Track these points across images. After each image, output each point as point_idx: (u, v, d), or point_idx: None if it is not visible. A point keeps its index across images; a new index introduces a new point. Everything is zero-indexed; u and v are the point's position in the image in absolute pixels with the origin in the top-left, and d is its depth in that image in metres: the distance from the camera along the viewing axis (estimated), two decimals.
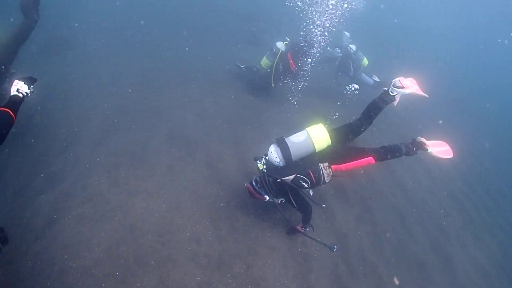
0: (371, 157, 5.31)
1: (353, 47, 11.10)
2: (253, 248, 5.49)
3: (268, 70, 9.84)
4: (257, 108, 9.54)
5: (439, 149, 5.51)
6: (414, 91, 5.37)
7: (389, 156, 5.41)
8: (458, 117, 15.15)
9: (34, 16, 6.66)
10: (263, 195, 5.43)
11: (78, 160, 6.39)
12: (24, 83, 3.06)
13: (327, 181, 5.19)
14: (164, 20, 15.39)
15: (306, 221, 5.54)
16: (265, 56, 9.94)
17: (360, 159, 5.33)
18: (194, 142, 7.30)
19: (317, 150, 5.26)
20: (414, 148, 5.39)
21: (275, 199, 5.34)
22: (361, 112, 5.58)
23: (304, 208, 5.40)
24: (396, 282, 5.96)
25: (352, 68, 11.30)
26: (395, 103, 5.47)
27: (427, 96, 5.37)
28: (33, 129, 7.01)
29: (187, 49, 12.79)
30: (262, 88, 10.14)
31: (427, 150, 5.36)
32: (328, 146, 5.31)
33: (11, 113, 2.79)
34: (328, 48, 11.44)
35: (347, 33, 11.53)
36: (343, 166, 5.38)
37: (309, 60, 9.48)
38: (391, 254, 6.41)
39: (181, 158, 6.76)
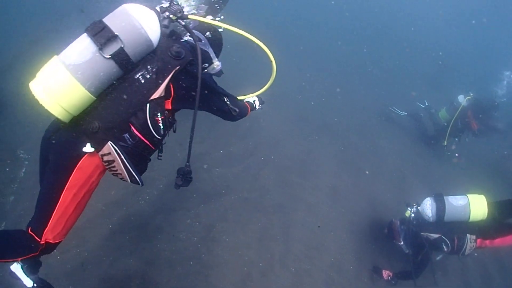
0: None
1: None
2: None
3: (445, 123, 9.00)
4: (425, 158, 9.12)
5: None
6: None
7: None
8: None
9: None
10: (400, 239, 5.40)
11: (255, 151, 6.90)
12: (258, 100, 3.59)
13: (465, 254, 5.12)
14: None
15: (403, 277, 5.32)
16: (444, 108, 9.12)
17: (509, 234, 5.03)
18: (362, 174, 7.31)
19: (470, 220, 4.94)
20: None
21: (406, 248, 5.37)
22: None
23: (419, 271, 5.18)
24: None
25: None
26: None
27: None
28: None
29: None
30: (434, 140, 9.38)
31: None
32: (481, 220, 4.96)
33: (249, 109, 3.35)
34: None
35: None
36: (489, 242, 5.13)
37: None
38: None
39: (346, 185, 6.83)
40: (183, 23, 2.52)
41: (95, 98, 2.26)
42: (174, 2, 2.46)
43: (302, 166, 6.85)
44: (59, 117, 2.17)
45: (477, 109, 8.62)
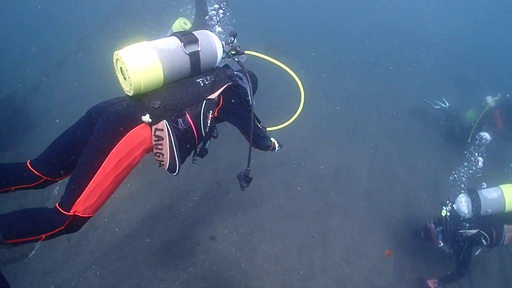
0: None
1: None
2: None
3: (472, 124, 8.87)
4: (456, 156, 8.76)
5: None
6: None
7: None
8: None
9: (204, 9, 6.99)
10: (438, 241, 5.36)
11: (286, 159, 6.90)
12: (277, 143, 3.83)
13: (505, 244, 5.14)
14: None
15: (449, 281, 5.25)
16: (472, 109, 9.10)
17: None
18: (396, 177, 7.24)
19: (505, 211, 4.95)
20: None
21: (447, 248, 5.34)
22: None
23: (463, 269, 5.12)
24: None
25: None
26: None
27: None
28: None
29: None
30: (459, 139, 9.15)
31: None
32: None
33: (271, 147, 3.68)
34: None
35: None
36: None
37: None
38: None
39: (381, 189, 6.77)
40: (236, 60, 3.15)
41: (162, 85, 2.69)
42: (235, 41, 3.11)
43: (334, 172, 6.81)
44: (135, 86, 2.52)
45: (504, 110, 8.53)
